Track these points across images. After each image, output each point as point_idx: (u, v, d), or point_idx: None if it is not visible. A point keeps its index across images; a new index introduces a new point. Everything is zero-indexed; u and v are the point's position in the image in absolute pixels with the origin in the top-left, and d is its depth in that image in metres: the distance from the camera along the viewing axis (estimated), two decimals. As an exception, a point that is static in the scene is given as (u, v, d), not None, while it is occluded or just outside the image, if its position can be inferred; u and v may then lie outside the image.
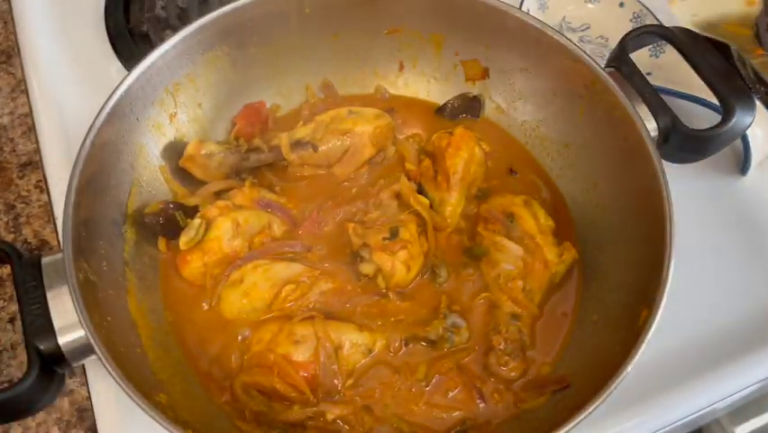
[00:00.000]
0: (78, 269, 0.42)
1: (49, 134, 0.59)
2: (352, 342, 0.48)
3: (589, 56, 0.51)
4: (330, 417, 0.46)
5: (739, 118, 0.49)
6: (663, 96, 0.51)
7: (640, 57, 0.54)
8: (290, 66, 0.58)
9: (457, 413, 0.47)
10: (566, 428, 0.40)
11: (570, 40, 0.52)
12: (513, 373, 0.48)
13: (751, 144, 0.59)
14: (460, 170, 0.53)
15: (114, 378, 0.39)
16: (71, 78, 0.62)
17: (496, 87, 0.59)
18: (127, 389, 0.39)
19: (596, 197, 0.54)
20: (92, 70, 0.63)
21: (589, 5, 0.72)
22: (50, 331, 0.41)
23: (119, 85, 0.48)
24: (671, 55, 0.62)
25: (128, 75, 0.48)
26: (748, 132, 0.55)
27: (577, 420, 0.40)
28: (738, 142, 0.59)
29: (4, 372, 0.52)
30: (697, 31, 0.54)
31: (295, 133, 0.55)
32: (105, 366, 0.39)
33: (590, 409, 0.40)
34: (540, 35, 0.52)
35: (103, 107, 0.47)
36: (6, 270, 0.56)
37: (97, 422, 0.50)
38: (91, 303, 0.41)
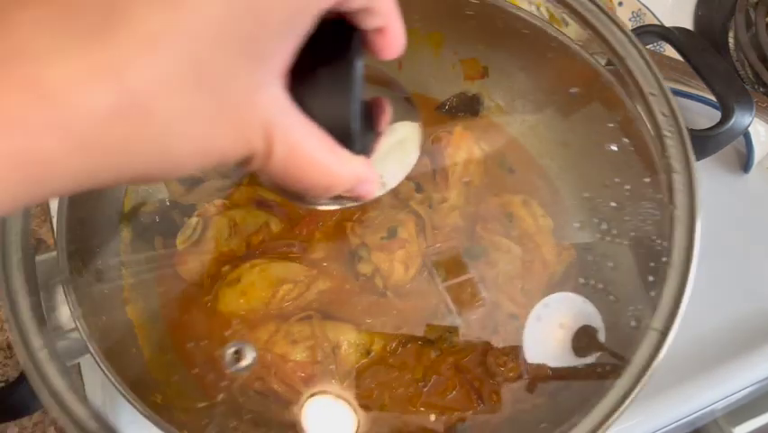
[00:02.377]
0: (73, 267, 0.42)
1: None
2: (350, 342, 0.48)
3: (590, 54, 0.51)
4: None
5: (738, 118, 0.49)
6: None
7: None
8: (288, 64, 0.58)
9: (455, 413, 0.47)
10: (564, 429, 0.40)
11: (570, 38, 0.51)
12: (511, 373, 0.48)
13: (754, 142, 0.59)
14: (458, 169, 0.53)
15: (108, 378, 0.39)
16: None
17: (495, 86, 0.59)
18: (122, 389, 0.39)
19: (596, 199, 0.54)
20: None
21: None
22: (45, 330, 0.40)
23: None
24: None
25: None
26: (751, 129, 0.55)
27: (574, 420, 0.40)
28: (741, 140, 0.59)
29: (-1, 371, 0.51)
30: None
31: (293, 132, 0.55)
32: (99, 366, 0.39)
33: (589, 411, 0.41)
34: (540, 33, 0.52)
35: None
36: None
37: (93, 422, 0.49)
38: (86, 302, 0.41)
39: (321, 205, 0.31)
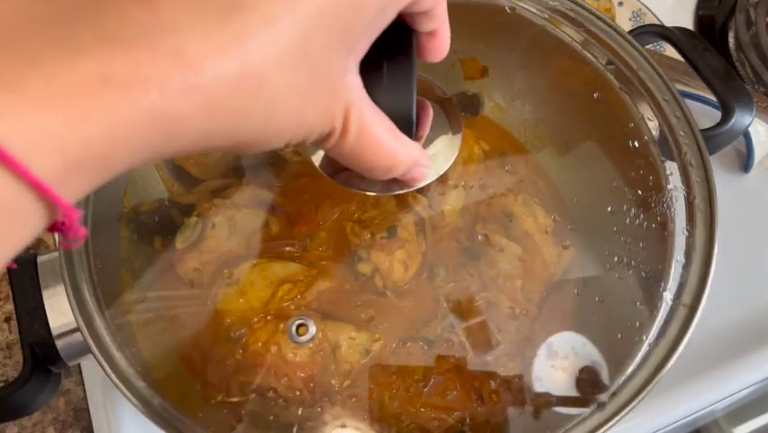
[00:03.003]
0: (73, 268, 0.42)
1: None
2: (350, 342, 0.48)
3: (590, 54, 0.51)
4: (327, 417, 0.46)
5: (738, 118, 0.49)
6: (663, 95, 0.50)
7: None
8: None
9: (455, 414, 0.47)
10: (564, 429, 0.40)
11: (571, 37, 0.51)
12: (511, 373, 0.48)
13: (754, 142, 0.59)
14: (458, 168, 0.53)
15: (109, 378, 0.39)
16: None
17: (495, 86, 0.59)
18: (123, 389, 0.39)
19: (596, 196, 0.54)
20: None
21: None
22: (45, 330, 0.40)
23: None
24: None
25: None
26: (751, 129, 0.55)
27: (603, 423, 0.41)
28: (741, 140, 0.59)
29: (-1, 371, 0.51)
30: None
31: (293, 132, 0.55)
32: (100, 366, 0.39)
33: (619, 417, 0.41)
34: (540, 33, 0.52)
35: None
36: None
37: (93, 422, 0.50)
38: (85, 302, 0.41)
39: (372, 191, 0.34)
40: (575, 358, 0.47)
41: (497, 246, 0.51)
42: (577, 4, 0.51)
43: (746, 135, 0.59)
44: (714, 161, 0.63)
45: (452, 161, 0.40)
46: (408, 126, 0.29)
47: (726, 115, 0.49)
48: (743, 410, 0.64)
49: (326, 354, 0.46)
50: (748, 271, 0.58)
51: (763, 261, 0.59)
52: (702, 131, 0.49)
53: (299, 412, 0.46)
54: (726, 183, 0.62)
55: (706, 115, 0.59)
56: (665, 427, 0.53)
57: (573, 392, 0.46)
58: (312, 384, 0.46)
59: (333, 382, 0.46)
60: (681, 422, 0.53)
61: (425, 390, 0.48)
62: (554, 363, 0.47)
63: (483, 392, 0.48)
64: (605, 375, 0.46)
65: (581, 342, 0.47)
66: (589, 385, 0.46)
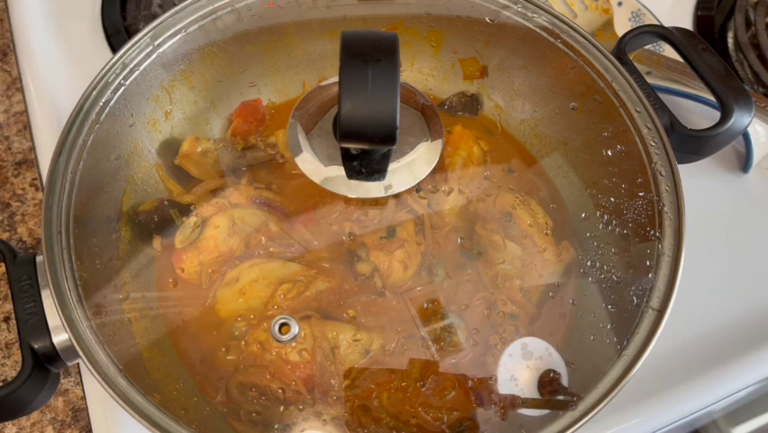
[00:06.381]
0: (72, 267, 0.42)
1: (44, 132, 0.58)
2: (349, 342, 0.48)
3: (590, 54, 0.51)
4: (326, 417, 0.46)
5: (737, 118, 0.49)
6: (663, 95, 0.51)
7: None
8: (288, 63, 0.58)
9: (454, 414, 0.47)
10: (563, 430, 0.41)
11: (570, 36, 0.51)
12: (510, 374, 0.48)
13: (753, 142, 0.60)
14: (458, 168, 0.53)
15: (108, 377, 0.39)
16: (67, 76, 0.62)
17: (494, 86, 0.59)
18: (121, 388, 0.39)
19: (595, 196, 0.54)
20: (88, 68, 0.62)
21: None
22: (44, 330, 0.40)
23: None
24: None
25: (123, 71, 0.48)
26: (750, 129, 0.55)
27: (573, 422, 0.41)
28: (740, 140, 0.59)
29: (-3, 371, 0.51)
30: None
31: (292, 131, 0.55)
32: (86, 367, 0.39)
33: (589, 416, 0.41)
34: (540, 33, 0.52)
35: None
36: (0, 268, 0.56)
37: (92, 422, 0.49)
38: (85, 301, 0.41)
39: None
40: (546, 361, 0.47)
41: (496, 246, 0.51)
42: (555, 17, 0.51)
43: (745, 135, 0.59)
44: (713, 162, 0.64)
45: (433, 166, 0.40)
46: (392, 131, 0.29)
47: (726, 115, 0.49)
48: (742, 411, 0.64)
49: (325, 354, 0.46)
50: (748, 271, 0.58)
51: (763, 260, 0.59)
52: (701, 131, 0.49)
53: (298, 411, 0.46)
54: (725, 183, 0.62)
55: (705, 116, 0.59)
56: (665, 427, 0.53)
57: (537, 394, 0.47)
58: (311, 384, 0.46)
59: (332, 381, 0.46)
60: (680, 422, 0.53)
61: (424, 389, 0.48)
62: (529, 364, 0.47)
63: (482, 392, 0.48)
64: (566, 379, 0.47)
65: (546, 345, 0.48)
66: (553, 387, 0.46)
